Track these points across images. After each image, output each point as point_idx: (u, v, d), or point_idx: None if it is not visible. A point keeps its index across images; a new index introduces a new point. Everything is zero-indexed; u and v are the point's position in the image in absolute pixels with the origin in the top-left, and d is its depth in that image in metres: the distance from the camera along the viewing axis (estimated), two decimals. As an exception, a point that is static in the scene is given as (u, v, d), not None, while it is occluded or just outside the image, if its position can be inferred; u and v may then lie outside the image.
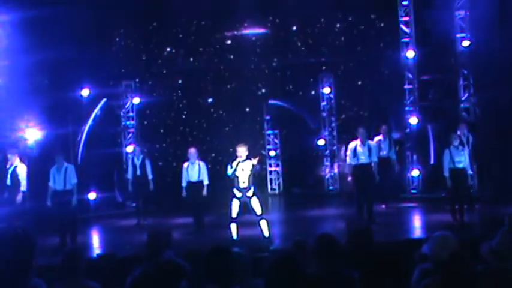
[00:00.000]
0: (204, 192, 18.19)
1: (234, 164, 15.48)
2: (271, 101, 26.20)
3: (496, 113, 20.64)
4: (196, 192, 18.12)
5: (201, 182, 18.18)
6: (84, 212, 20.56)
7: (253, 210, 15.54)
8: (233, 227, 15.65)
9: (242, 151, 15.54)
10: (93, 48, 22.01)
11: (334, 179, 25.06)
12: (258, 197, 15.59)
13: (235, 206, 15.57)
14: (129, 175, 20.55)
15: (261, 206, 15.55)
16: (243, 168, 15.48)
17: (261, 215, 15.55)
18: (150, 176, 20.17)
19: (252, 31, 25.97)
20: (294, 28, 25.87)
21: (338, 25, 25.45)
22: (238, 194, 15.52)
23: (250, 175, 15.51)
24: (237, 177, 15.51)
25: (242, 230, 15.83)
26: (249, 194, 15.50)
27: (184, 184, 18.20)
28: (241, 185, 15.50)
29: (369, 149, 17.63)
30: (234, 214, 15.56)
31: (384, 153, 19.77)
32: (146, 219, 19.99)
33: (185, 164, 18.29)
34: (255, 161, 15.56)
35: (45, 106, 20.62)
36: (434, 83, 22.46)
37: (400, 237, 15.52)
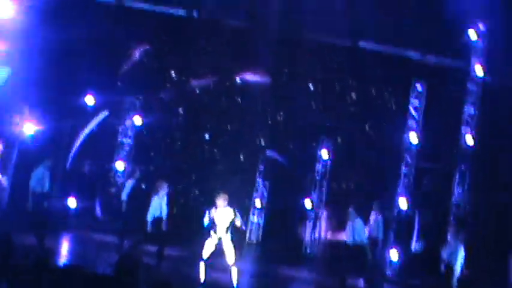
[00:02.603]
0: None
1: (212, 213, 15.36)
2: (269, 152, 26.15)
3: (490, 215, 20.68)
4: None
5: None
6: (61, 218, 20.47)
7: (226, 256, 15.42)
8: (202, 266, 15.50)
9: (221, 203, 15.39)
10: (107, 56, 22.11)
11: (313, 242, 24.91)
12: (233, 245, 15.45)
13: (208, 246, 15.43)
14: (124, 196, 19.72)
15: (234, 254, 15.42)
16: (221, 217, 15.35)
17: (233, 263, 15.42)
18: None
19: (265, 79, 25.93)
20: (310, 86, 25.79)
21: (351, 93, 25.45)
22: (214, 238, 15.38)
23: (228, 226, 15.38)
24: (216, 225, 15.39)
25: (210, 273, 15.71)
26: (225, 240, 15.37)
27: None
28: (218, 233, 15.38)
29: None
30: (206, 255, 15.42)
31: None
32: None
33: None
34: (238, 223, 15.46)
35: (47, 102, 20.68)
36: (431, 171, 22.50)
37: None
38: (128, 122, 25.00)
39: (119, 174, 23.71)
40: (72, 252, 18.81)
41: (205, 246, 15.41)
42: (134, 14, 23.47)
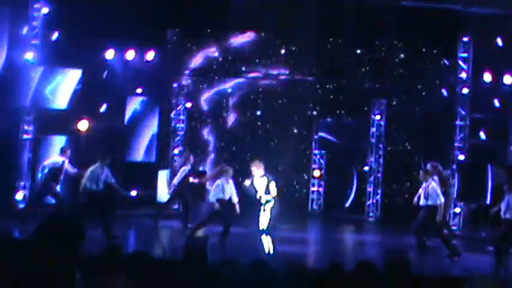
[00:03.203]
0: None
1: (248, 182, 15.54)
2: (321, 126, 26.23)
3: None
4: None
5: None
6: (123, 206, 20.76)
7: (259, 221, 15.49)
8: (264, 239, 15.57)
9: (257, 170, 15.52)
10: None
11: (375, 206, 24.98)
12: (270, 213, 15.51)
13: (263, 216, 15.52)
14: (176, 181, 20.10)
15: (268, 221, 15.45)
16: (259, 185, 15.48)
17: (263, 229, 15.46)
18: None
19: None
20: (358, 51, 25.67)
21: (399, 55, 25.28)
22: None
23: (265, 193, 15.50)
24: (256, 191, 15.53)
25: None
26: (264, 206, 15.49)
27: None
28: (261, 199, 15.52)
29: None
30: (263, 225, 15.52)
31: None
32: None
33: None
34: (247, 182, 15.63)
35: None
36: (486, 121, 22.34)
37: (438, 273, 15.42)
38: (180, 107, 25.17)
39: (175, 159, 23.90)
40: (140, 238, 19.13)
41: (260, 218, 15.50)
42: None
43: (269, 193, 15.51)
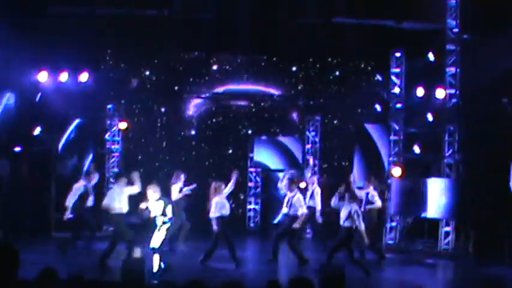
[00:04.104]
0: None
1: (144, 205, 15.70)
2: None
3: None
4: None
5: None
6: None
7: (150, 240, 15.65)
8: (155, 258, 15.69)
9: (153, 194, 15.71)
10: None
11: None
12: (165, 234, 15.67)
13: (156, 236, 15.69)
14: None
15: (162, 242, 15.59)
16: (155, 207, 15.65)
17: (153, 248, 15.60)
18: None
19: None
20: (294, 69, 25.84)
21: (331, 72, 25.52)
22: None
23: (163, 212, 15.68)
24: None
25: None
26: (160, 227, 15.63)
27: None
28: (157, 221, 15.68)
29: None
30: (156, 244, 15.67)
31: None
32: None
33: None
34: (144, 205, 15.85)
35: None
36: (420, 136, 22.62)
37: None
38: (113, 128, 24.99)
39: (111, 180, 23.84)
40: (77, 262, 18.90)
41: (153, 237, 15.63)
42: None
43: (166, 215, 15.77)
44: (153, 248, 15.54)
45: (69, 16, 20.95)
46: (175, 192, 19.78)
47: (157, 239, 15.53)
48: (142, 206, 15.98)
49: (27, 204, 21.59)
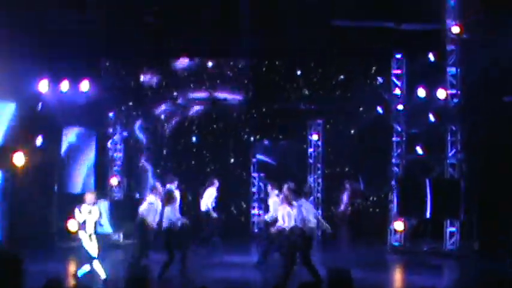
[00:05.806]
0: None
1: (82, 209, 15.58)
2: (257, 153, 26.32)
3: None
4: None
5: None
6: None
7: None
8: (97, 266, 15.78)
9: (90, 198, 15.73)
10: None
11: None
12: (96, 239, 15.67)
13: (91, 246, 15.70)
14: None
15: (98, 248, 15.61)
16: (90, 211, 15.58)
17: (94, 257, 15.64)
18: None
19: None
20: (299, 73, 25.79)
21: (334, 75, 25.45)
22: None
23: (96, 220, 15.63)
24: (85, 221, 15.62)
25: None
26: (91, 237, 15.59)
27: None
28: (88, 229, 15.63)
29: None
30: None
31: None
32: None
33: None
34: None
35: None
36: (422, 136, 22.59)
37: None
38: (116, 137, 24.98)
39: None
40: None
41: (88, 247, 15.63)
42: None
43: (101, 225, 15.90)
44: (94, 257, 15.56)
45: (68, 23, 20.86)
46: (207, 197, 20.27)
47: (92, 248, 15.54)
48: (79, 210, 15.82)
49: (30, 215, 21.50)
